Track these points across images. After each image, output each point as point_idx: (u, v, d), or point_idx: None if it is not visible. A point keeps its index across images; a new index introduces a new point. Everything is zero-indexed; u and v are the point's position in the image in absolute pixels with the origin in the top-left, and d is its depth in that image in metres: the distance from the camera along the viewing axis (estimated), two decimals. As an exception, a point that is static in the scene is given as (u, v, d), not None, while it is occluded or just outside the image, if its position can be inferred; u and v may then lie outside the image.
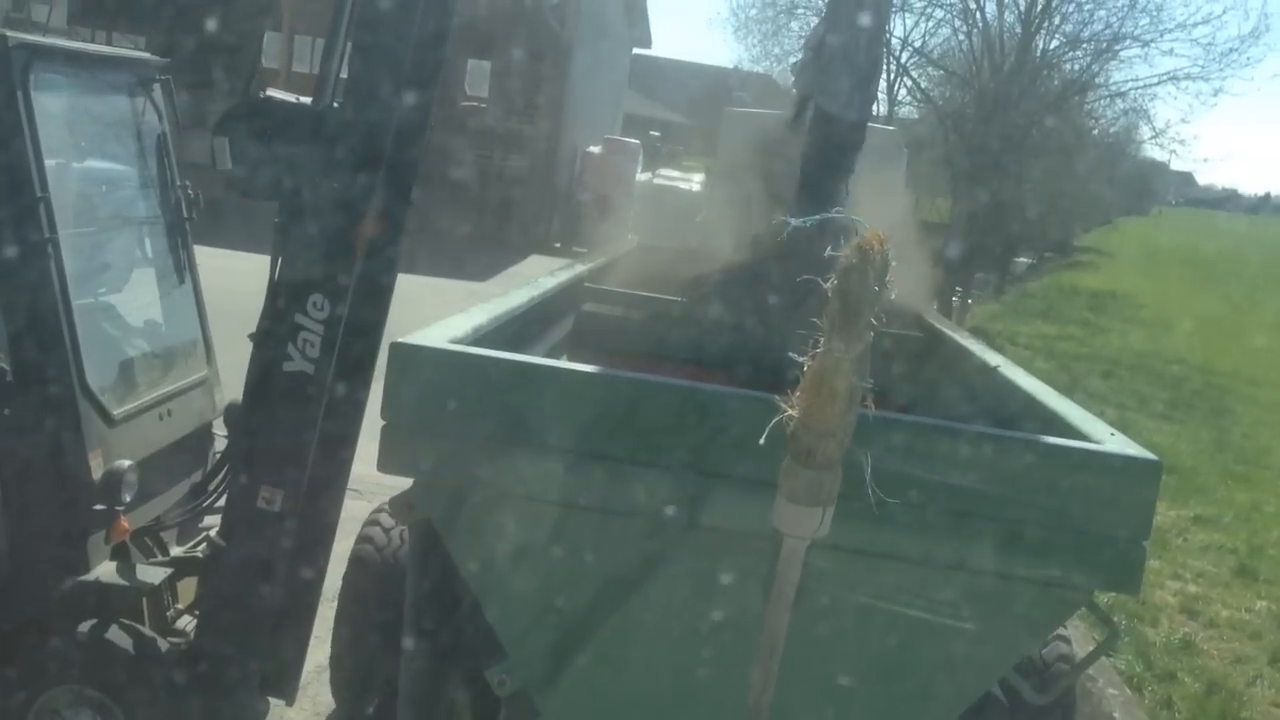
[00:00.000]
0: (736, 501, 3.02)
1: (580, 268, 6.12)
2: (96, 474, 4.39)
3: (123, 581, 4.49)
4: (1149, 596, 7.83)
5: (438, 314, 3.58)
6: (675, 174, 27.10)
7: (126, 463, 4.44)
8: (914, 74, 26.18)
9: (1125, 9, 23.35)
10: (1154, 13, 25.02)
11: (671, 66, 52.86)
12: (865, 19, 4.69)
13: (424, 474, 3.22)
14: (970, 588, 3.13)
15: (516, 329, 4.26)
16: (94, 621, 4.31)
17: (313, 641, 4.61)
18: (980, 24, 23.89)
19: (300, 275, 4.07)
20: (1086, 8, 23.73)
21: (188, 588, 4.79)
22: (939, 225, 22.26)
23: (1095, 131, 27.11)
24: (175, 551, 4.90)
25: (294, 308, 4.05)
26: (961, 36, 24.95)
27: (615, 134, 31.94)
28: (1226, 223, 71.58)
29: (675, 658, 3.30)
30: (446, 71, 4.46)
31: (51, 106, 4.52)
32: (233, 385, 4.68)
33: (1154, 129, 26.33)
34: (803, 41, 5.96)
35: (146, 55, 5.36)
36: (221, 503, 4.56)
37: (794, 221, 2.85)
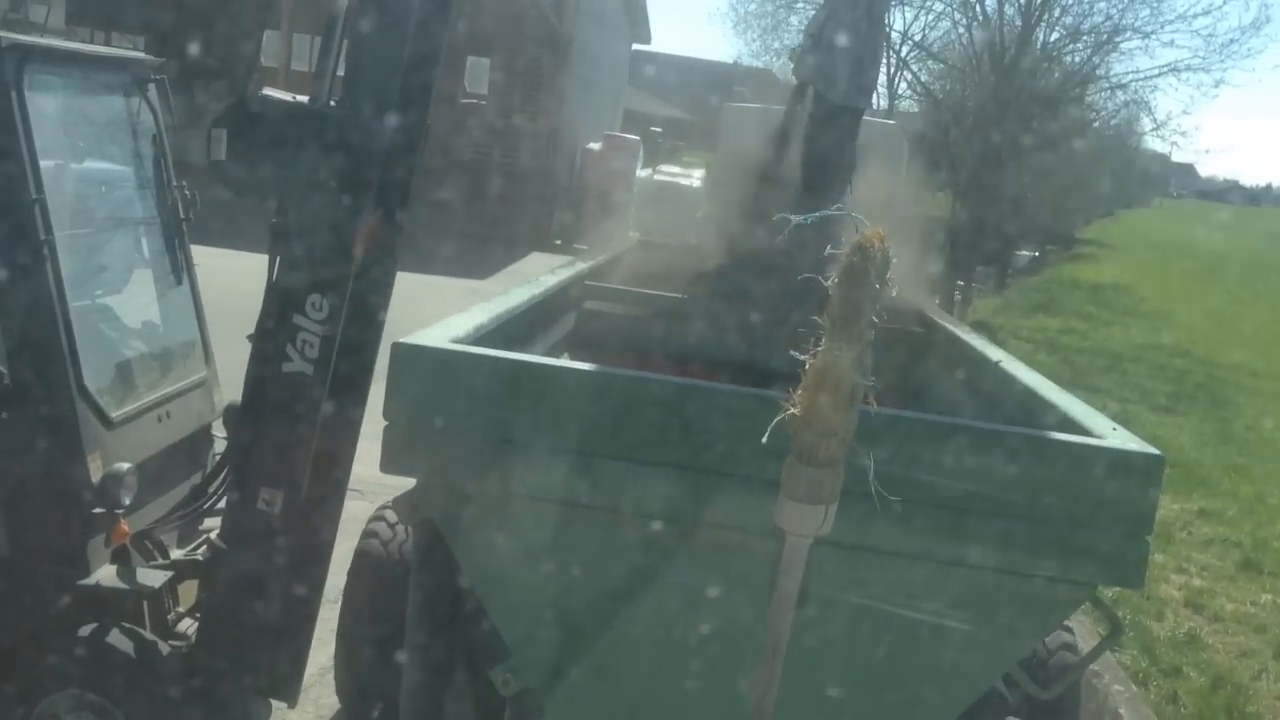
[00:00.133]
0: (739, 500, 3.01)
1: (581, 265, 6.11)
2: (95, 477, 4.37)
3: (123, 585, 4.47)
4: (1153, 591, 7.81)
5: (438, 313, 3.57)
6: (676, 170, 27.01)
7: (125, 465, 4.42)
8: (914, 68, 26.19)
9: (1125, 1, 23.37)
10: (1154, 4, 25.06)
11: (671, 62, 52.81)
12: (865, 6, 4.69)
13: (426, 474, 3.21)
14: (973, 583, 3.13)
15: (517, 328, 4.25)
16: (94, 625, 4.29)
17: (315, 643, 4.60)
18: (980, 17, 23.89)
19: (299, 276, 4.05)
20: (1086, 0, 23.74)
21: (188, 590, 4.77)
22: (940, 219, 22.23)
23: (1096, 124, 27.07)
24: (175, 554, 4.88)
25: (292, 309, 4.03)
26: (961, 30, 24.95)
27: (615, 130, 31.93)
28: (1228, 214, 71.51)
29: (679, 656, 3.29)
30: (446, 69, 4.45)
31: (46, 107, 4.51)
32: (232, 386, 4.66)
33: (1155, 121, 26.39)
34: (804, 30, 5.96)
35: (142, 55, 5.34)
36: (221, 505, 4.54)
37: (795, 219, 2.83)
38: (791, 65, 5.56)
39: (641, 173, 26.60)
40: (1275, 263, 40.04)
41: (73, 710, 4.26)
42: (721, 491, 3.05)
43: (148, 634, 4.38)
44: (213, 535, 4.53)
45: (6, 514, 4.40)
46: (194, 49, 18.30)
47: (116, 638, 4.27)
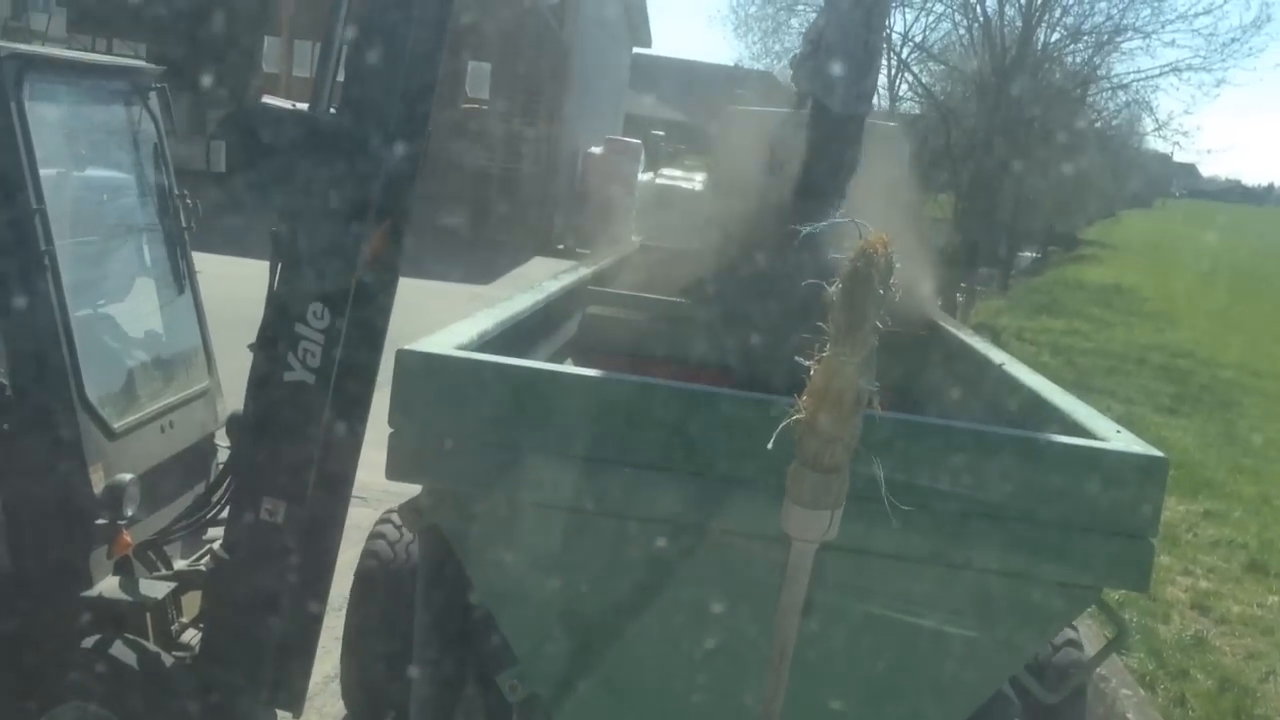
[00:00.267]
0: (745, 505, 3.00)
1: (584, 270, 6.10)
2: (98, 488, 4.36)
3: (126, 596, 4.46)
4: (1160, 593, 7.80)
5: (441, 319, 3.56)
6: (677, 173, 27.05)
7: (128, 476, 4.41)
8: (915, 69, 26.16)
9: (1126, 1, 23.35)
10: (1155, 4, 25.03)
11: (672, 65, 52.81)
12: (865, 12, 4.68)
13: (431, 481, 3.20)
14: (978, 587, 3.12)
15: (521, 333, 4.24)
16: (98, 637, 4.28)
17: (320, 652, 4.58)
18: (981, 18, 23.86)
19: (300, 284, 4.04)
20: (1087, 0, 23.73)
21: (192, 601, 4.75)
22: (942, 221, 22.21)
23: (1098, 124, 27.03)
24: (179, 565, 4.86)
25: (294, 317, 4.02)
26: (962, 31, 24.93)
27: (617, 134, 31.94)
28: (1230, 214, 71.53)
29: (686, 661, 3.28)
30: (447, 74, 4.44)
31: (47, 116, 4.50)
32: (235, 395, 4.65)
33: (1157, 121, 26.33)
34: (802, 37, 5.94)
35: (142, 63, 5.34)
36: (225, 515, 4.53)
37: (805, 229, 2.83)
38: (791, 72, 5.55)
39: (643, 176, 26.66)
40: (1277, 263, 40.00)
41: (77, 721, 4.25)
42: (726, 497, 3.04)
43: (151, 645, 4.36)
44: (216, 546, 4.51)
45: (9, 526, 4.39)
46: (197, 58, 18.26)
47: (120, 649, 4.26)
